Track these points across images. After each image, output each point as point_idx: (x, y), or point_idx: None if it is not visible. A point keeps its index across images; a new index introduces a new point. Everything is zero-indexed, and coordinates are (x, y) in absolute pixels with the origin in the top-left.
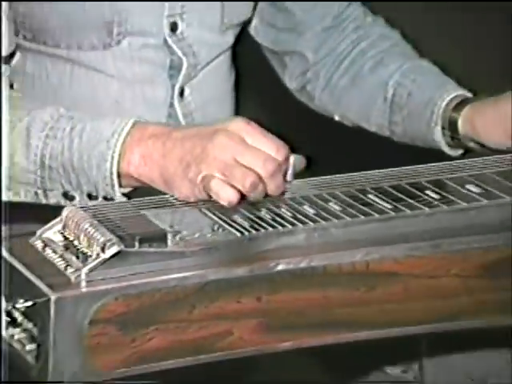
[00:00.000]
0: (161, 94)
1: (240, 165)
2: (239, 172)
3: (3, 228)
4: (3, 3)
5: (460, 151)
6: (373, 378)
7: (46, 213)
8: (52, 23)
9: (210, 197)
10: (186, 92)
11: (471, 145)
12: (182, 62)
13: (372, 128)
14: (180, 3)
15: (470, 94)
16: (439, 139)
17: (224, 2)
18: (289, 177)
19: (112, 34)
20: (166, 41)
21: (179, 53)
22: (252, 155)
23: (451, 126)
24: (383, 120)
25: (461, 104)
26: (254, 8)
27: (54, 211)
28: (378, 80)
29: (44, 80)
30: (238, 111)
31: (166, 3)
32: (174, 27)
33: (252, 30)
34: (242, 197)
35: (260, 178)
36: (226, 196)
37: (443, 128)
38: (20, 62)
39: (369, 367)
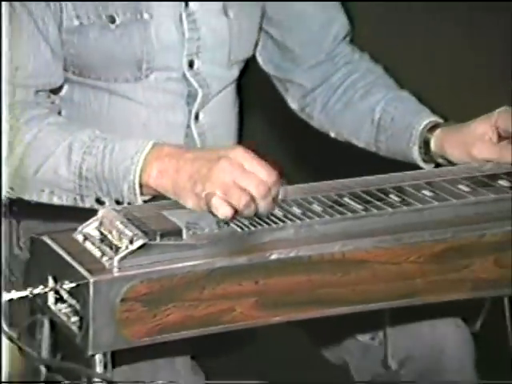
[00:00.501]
0: (180, 118)
1: (237, 186)
2: (236, 192)
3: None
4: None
5: (432, 165)
6: (346, 343)
7: (83, 213)
8: (95, 61)
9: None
10: (201, 116)
11: (440, 160)
12: (198, 92)
13: (361, 144)
14: (196, 44)
15: (441, 120)
16: (416, 156)
17: (231, 43)
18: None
19: (141, 69)
20: (184, 75)
21: (195, 84)
22: (248, 179)
23: (425, 146)
24: (370, 139)
25: (433, 128)
26: (255, 47)
27: (88, 212)
28: (367, 106)
29: (87, 107)
30: (242, 131)
31: (186, 44)
32: (191, 64)
33: (259, 59)
34: (236, 212)
35: (253, 198)
36: (223, 212)
37: (420, 147)
38: (68, 92)
39: (343, 335)
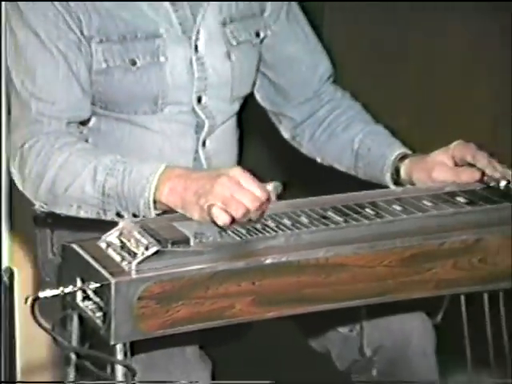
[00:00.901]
0: (190, 145)
1: (235, 199)
2: (234, 204)
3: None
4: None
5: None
6: (329, 334)
7: (105, 225)
8: (118, 98)
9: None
10: (207, 143)
11: (408, 184)
12: (205, 123)
13: (342, 169)
14: (204, 83)
15: (409, 151)
16: (388, 181)
17: (233, 82)
18: (272, 198)
19: (157, 104)
20: (193, 108)
21: (203, 116)
22: (244, 194)
23: (396, 172)
24: (350, 165)
25: (403, 158)
26: (253, 86)
27: (109, 224)
28: (348, 138)
29: (111, 135)
30: (242, 156)
31: (195, 82)
32: (199, 99)
33: (257, 96)
34: (233, 220)
35: (248, 210)
36: (222, 219)
37: (391, 174)
38: (95, 123)
39: (326, 327)
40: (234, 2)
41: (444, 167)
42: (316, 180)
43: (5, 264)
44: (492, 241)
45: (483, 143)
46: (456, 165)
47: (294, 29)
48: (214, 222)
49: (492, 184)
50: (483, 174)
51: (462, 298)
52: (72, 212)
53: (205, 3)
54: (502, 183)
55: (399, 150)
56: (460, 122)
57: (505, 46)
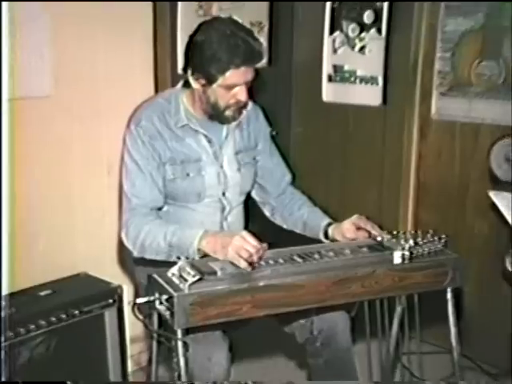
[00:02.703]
0: (218, 219)
1: (243, 248)
2: (243, 252)
3: None
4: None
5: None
6: (294, 323)
7: (170, 263)
8: (179, 194)
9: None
10: (228, 218)
11: (333, 240)
12: (226, 207)
13: (298, 231)
14: (225, 185)
15: (333, 221)
16: (323, 239)
17: (241, 185)
18: (264, 248)
19: (200, 197)
20: (220, 199)
21: (225, 203)
22: (248, 245)
23: (326, 234)
24: (302, 230)
25: (329, 225)
26: (252, 186)
27: (172, 263)
28: (300, 215)
29: (174, 215)
30: (247, 224)
31: (221, 185)
32: (223, 194)
33: (253, 193)
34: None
35: (251, 254)
36: (237, 262)
37: (324, 234)
38: (166, 208)
39: (293, 319)
40: (241, 141)
41: (350, 231)
42: (288, 238)
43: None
44: (380, 272)
45: (370, 216)
46: (357, 228)
47: (272, 154)
48: (232, 262)
49: (377, 239)
50: (370, 234)
51: (366, 303)
52: (153, 257)
53: (225, 141)
54: (379, 239)
55: (327, 221)
56: (361, 201)
57: None
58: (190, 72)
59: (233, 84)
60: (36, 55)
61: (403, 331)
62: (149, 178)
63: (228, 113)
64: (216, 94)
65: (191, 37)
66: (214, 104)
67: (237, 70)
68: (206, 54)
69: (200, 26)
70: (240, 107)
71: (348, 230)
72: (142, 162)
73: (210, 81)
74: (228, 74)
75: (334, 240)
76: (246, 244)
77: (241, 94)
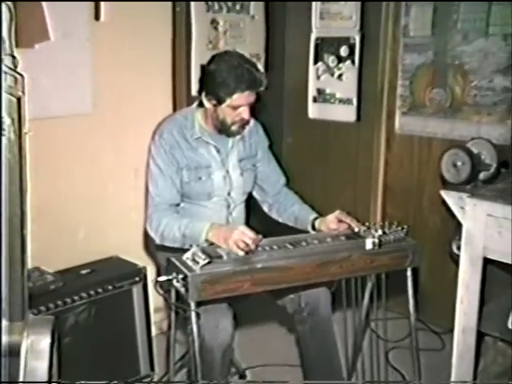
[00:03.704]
0: (224, 215)
1: (241, 240)
2: (241, 242)
3: None
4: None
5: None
6: (286, 298)
7: (185, 250)
8: (192, 194)
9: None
10: (233, 213)
11: (319, 231)
12: (231, 204)
13: (290, 224)
14: (230, 186)
15: (319, 215)
16: (310, 230)
17: (243, 186)
18: (260, 240)
19: (209, 196)
20: (226, 198)
21: (230, 201)
22: (246, 237)
23: (313, 226)
24: (293, 223)
25: (316, 219)
26: (253, 188)
27: (187, 250)
28: (292, 211)
29: (189, 210)
30: (249, 219)
31: (227, 187)
32: (229, 193)
33: (253, 193)
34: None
35: (248, 244)
36: (236, 251)
37: (312, 226)
38: (182, 205)
39: (284, 294)
40: (244, 151)
41: (333, 223)
42: (280, 229)
43: None
44: (355, 256)
45: (348, 211)
46: (339, 221)
47: (269, 161)
48: (234, 252)
49: (355, 230)
50: (350, 226)
51: (343, 281)
52: (171, 244)
53: (231, 151)
54: (356, 230)
55: (314, 215)
56: (340, 199)
57: None
58: (203, 94)
59: (238, 105)
60: (80, 79)
61: (372, 302)
62: (169, 180)
63: (234, 128)
64: (224, 113)
65: (205, 66)
66: (223, 121)
67: (242, 94)
68: (217, 80)
69: (213, 57)
70: (243, 123)
71: (332, 222)
72: (163, 167)
73: (220, 102)
74: (235, 96)
75: (319, 231)
76: (243, 237)
77: (244, 113)
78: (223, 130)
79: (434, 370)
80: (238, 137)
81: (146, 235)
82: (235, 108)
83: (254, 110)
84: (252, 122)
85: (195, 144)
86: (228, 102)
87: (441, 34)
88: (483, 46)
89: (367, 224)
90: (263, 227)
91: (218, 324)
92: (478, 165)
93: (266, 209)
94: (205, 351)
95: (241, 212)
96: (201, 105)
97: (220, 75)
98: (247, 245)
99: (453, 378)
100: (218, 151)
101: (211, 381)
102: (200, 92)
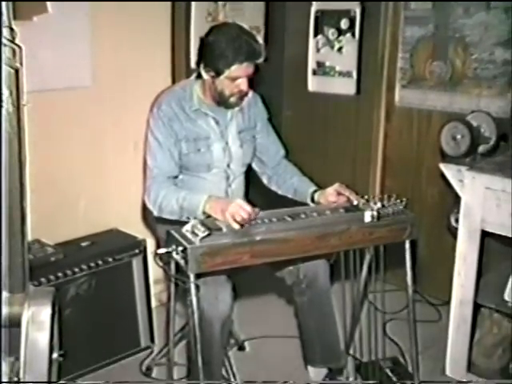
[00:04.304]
0: (223, 186)
1: (238, 213)
2: (238, 215)
3: None
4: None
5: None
6: (285, 269)
7: (183, 222)
8: (191, 166)
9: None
10: (232, 185)
11: (318, 204)
12: (230, 176)
13: (289, 196)
14: (230, 158)
15: (318, 188)
16: (310, 203)
17: (242, 158)
18: (257, 213)
19: (209, 168)
20: (225, 170)
21: (230, 173)
22: (242, 210)
23: (313, 198)
24: (293, 195)
25: (315, 191)
26: (252, 159)
27: (185, 222)
28: (291, 183)
29: (188, 182)
30: (248, 192)
31: (226, 158)
32: (229, 165)
33: (253, 165)
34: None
35: (243, 218)
36: (232, 224)
37: (311, 199)
38: (181, 177)
39: (284, 266)
40: (243, 122)
41: (332, 196)
42: (281, 201)
43: None
44: (353, 228)
45: (347, 183)
46: (338, 194)
47: (268, 133)
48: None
49: (353, 203)
50: (349, 198)
51: (342, 253)
52: (168, 216)
53: (230, 123)
54: (355, 203)
55: (313, 188)
56: (339, 171)
57: None
58: (202, 66)
59: (236, 76)
60: (79, 53)
61: (370, 274)
62: (167, 153)
63: (232, 99)
64: (223, 84)
65: (204, 38)
66: (221, 92)
67: (240, 65)
68: (215, 51)
69: (211, 29)
70: (242, 95)
71: (331, 194)
72: (162, 140)
73: (218, 73)
74: (233, 68)
75: (318, 203)
76: (240, 210)
77: (243, 84)
78: (222, 101)
79: (431, 341)
80: (237, 108)
81: (145, 208)
82: (234, 80)
83: (253, 82)
84: (251, 93)
85: (194, 116)
86: (226, 73)
87: (442, 6)
88: (484, 19)
89: (366, 197)
90: (262, 199)
91: (217, 296)
92: (478, 138)
93: (265, 181)
94: (204, 323)
95: (240, 184)
96: (199, 76)
97: (218, 47)
98: (243, 218)
99: (449, 349)
100: (217, 123)
101: (210, 351)
102: (198, 64)
